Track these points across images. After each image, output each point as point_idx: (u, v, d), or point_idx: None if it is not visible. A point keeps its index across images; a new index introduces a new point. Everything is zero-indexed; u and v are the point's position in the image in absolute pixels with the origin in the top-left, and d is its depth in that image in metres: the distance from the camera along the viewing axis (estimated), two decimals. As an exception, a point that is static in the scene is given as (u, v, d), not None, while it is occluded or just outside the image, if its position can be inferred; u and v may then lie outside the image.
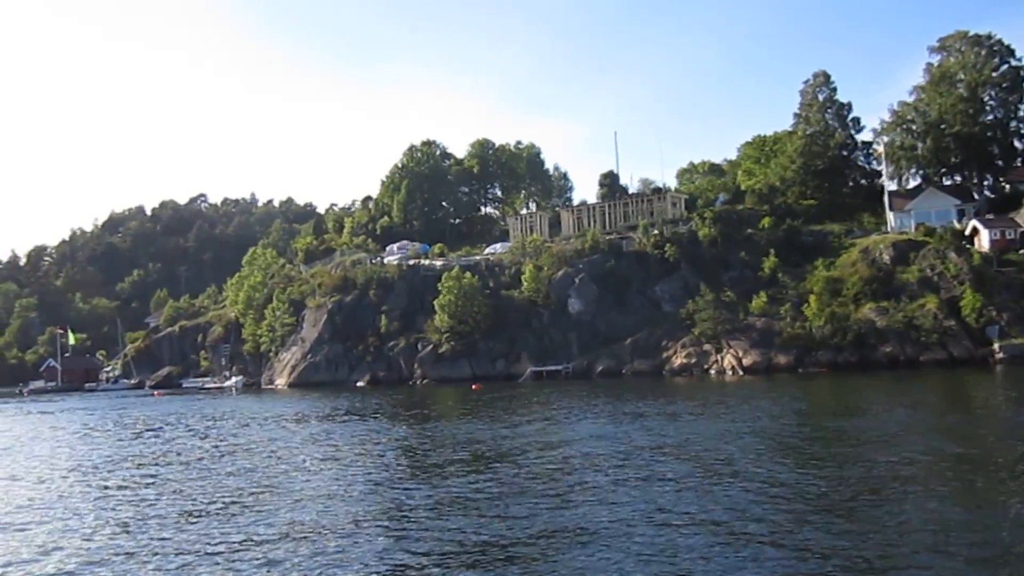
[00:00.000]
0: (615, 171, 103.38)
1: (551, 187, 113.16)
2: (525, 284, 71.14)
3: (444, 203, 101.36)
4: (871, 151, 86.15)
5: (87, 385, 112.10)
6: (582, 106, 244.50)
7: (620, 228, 79.35)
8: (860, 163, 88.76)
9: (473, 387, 58.74)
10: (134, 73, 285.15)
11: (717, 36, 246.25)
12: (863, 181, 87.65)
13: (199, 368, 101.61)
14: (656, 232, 73.49)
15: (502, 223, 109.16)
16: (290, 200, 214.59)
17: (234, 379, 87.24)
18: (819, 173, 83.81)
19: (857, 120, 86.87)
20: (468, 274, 73.13)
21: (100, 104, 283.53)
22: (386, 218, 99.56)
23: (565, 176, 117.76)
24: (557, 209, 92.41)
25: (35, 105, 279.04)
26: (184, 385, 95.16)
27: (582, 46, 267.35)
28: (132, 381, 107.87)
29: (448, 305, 71.14)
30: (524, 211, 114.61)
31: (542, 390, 53.03)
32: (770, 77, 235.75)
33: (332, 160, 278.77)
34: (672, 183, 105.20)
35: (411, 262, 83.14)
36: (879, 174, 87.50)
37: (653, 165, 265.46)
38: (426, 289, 78.21)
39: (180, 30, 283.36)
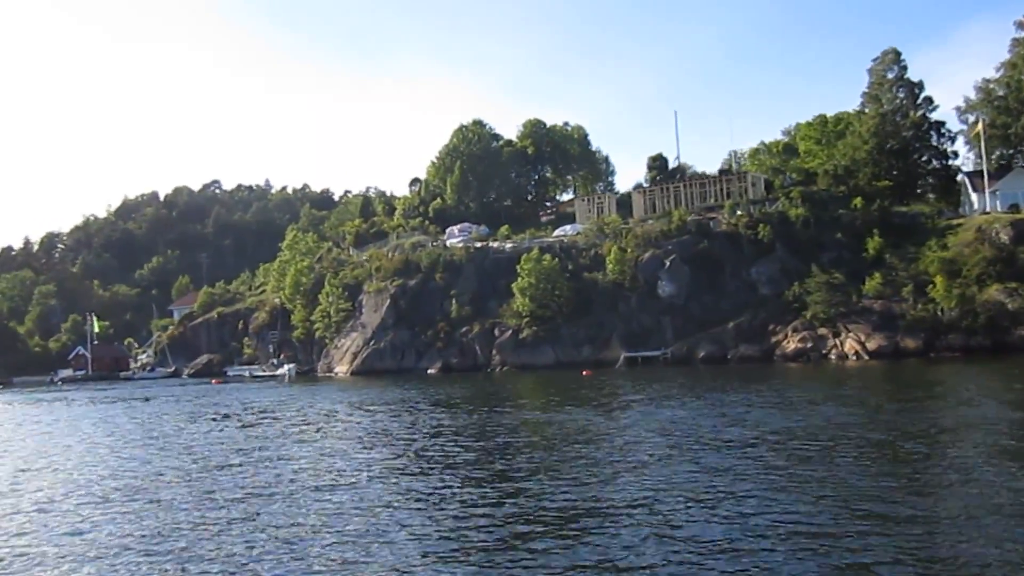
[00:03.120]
0: (664, 154, 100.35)
1: (600, 170, 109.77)
2: (610, 266, 67.65)
3: (498, 184, 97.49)
4: (944, 131, 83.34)
5: (121, 374, 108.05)
6: (582, 98, 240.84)
7: (697, 209, 76.04)
8: (933, 143, 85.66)
9: (584, 373, 55.31)
10: (138, 63, 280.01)
11: (717, 28, 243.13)
12: (935, 162, 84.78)
13: (242, 356, 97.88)
14: (741, 212, 70.39)
15: (549, 205, 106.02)
16: (306, 186, 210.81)
17: (286, 367, 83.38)
18: (893, 153, 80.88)
19: (930, 99, 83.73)
20: (547, 256, 69.64)
21: (106, 92, 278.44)
22: (439, 200, 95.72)
23: (607, 160, 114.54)
24: (629, 191, 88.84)
25: (41, 93, 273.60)
26: (229, 373, 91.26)
27: (580, 37, 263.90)
28: (168, 369, 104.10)
29: (528, 288, 67.62)
30: (565, 196, 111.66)
31: (660, 376, 49.57)
32: (771, 68, 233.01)
33: (340, 148, 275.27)
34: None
35: (478, 244, 79.45)
36: (954, 154, 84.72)
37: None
38: (497, 272, 74.75)
39: (184, 22, 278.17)
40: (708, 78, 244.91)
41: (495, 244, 78.81)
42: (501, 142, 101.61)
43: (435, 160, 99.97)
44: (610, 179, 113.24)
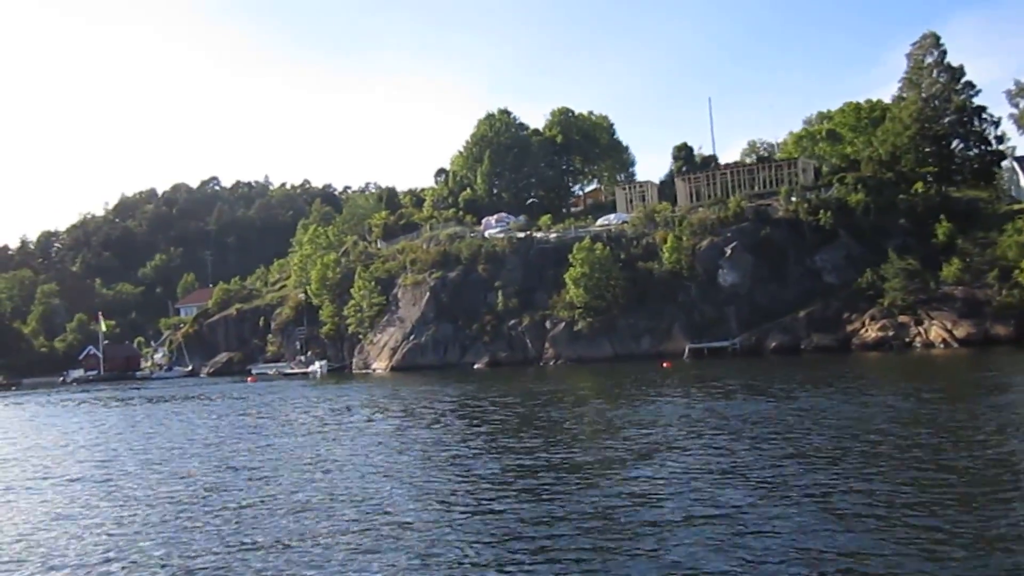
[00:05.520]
0: (688, 143, 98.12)
1: (626, 160, 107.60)
2: (666, 255, 65.26)
3: (529, 174, 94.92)
4: (985, 116, 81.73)
5: (137, 373, 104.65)
6: (571, 94, 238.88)
7: (746, 196, 73.84)
8: (975, 127, 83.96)
9: (664, 364, 52.94)
10: (129, 58, 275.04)
11: (706, 24, 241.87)
12: (977, 147, 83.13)
13: (265, 353, 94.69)
14: (796, 199, 68.30)
15: (577, 194, 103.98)
16: (306, 182, 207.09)
17: (318, 363, 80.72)
18: (935, 139, 79.18)
19: (971, 84, 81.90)
20: (600, 245, 67.19)
21: (98, 90, 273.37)
22: (468, 191, 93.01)
23: (627, 149, 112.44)
24: (659, 179, 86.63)
25: (31, 91, 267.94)
26: (254, 371, 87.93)
27: (568, 34, 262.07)
28: (186, 368, 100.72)
29: (583, 278, 65.13)
30: (587, 187, 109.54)
31: (744, 369, 47.36)
32: (757, 68, 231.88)
33: (337, 144, 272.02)
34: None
35: (520, 235, 76.81)
36: (998, 139, 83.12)
37: (652, 152, 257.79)
38: (543, 263, 72.24)
39: (177, 20, 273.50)
40: (700, 72, 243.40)
41: (539, 234, 76.18)
42: (528, 131, 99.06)
43: (462, 150, 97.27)
44: (631, 170, 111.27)
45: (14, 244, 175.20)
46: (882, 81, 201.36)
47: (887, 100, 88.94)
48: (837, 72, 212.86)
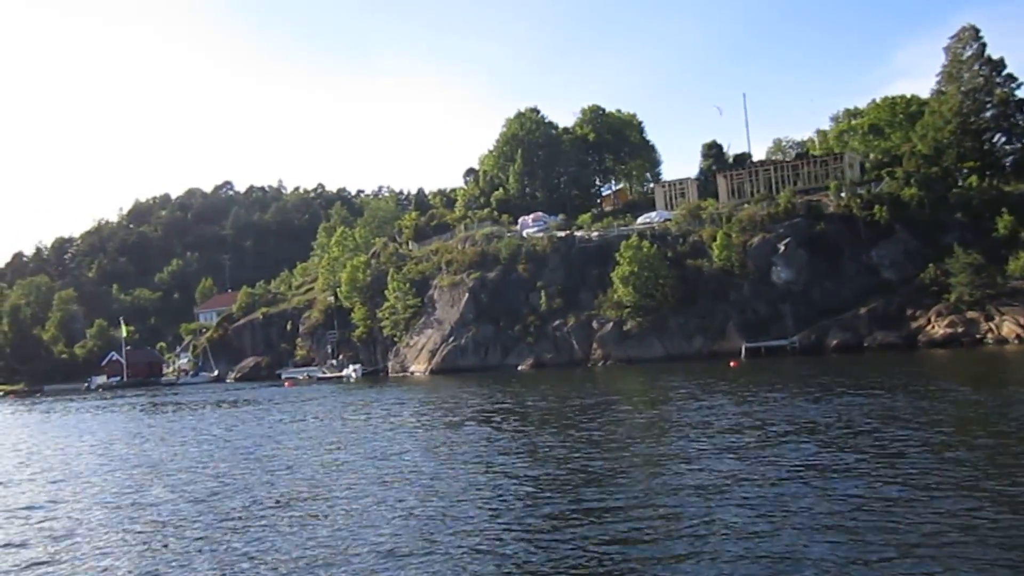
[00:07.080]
0: (717, 140, 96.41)
1: (655, 158, 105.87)
2: (716, 252, 63.65)
3: (560, 173, 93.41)
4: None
5: (162, 379, 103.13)
6: (576, 97, 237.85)
7: (791, 191, 72.22)
8: (1017, 121, 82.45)
9: (732, 364, 51.31)
10: (133, 65, 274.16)
11: (703, 24, 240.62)
12: (1020, 141, 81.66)
13: (294, 357, 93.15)
14: (845, 194, 66.80)
15: (606, 194, 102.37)
16: (320, 186, 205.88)
17: (351, 367, 79.14)
18: (976, 133, 77.70)
19: (1012, 76, 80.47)
20: (646, 243, 65.59)
21: (107, 96, 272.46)
22: (500, 190, 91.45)
23: (654, 148, 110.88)
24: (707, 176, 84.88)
25: (41, 98, 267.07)
26: (283, 376, 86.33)
27: (565, 35, 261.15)
28: (212, 373, 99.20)
29: (631, 277, 63.54)
30: (615, 186, 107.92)
31: (827, 367, 45.65)
32: (754, 66, 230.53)
33: (345, 147, 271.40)
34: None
35: (560, 234, 75.23)
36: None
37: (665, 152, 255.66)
38: (585, 262, 70.72)
39: (179, 24, 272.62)
40: (706, 75, 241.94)
41: (579, 233, 74.62)
42: (558, 130, 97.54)
43: (492, 149, 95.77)
44: (657, 168, 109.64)
45: (29, 251, 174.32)
46: (886, 80, 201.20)
47: (895, 96, 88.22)
48: (842, 71, 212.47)
